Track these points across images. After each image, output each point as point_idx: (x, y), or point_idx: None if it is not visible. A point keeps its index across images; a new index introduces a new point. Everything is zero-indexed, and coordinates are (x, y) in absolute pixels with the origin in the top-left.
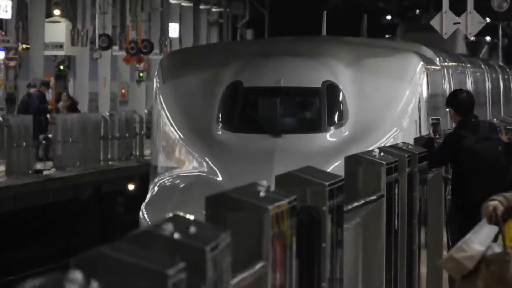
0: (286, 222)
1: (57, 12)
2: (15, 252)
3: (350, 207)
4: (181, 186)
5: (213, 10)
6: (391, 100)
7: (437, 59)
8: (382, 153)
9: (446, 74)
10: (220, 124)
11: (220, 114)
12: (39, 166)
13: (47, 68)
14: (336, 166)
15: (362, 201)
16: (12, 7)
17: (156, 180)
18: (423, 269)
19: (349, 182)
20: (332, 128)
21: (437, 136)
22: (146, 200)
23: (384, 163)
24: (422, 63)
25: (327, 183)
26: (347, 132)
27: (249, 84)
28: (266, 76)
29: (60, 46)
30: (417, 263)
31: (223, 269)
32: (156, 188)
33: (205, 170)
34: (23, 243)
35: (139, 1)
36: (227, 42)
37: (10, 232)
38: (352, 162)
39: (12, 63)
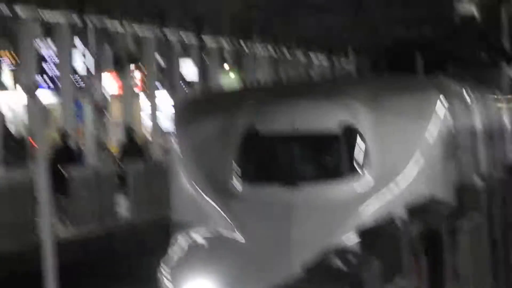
0: (417, 242)
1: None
2: None
3: (460, 226)
4: (200, 243)
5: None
6: (412, 140)
7: (467, 94)
8: (481, 181)
9: (478, 110)
10: (236, 175)
11: (234, 164)
12: None
13: None
14: (359, 217)
15: (470, 220)
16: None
17: (175, 235)
18: None
19: (459, 206)
20: (352, 174)
21: None
22: (166, 256)
23: (483, 190)
24: (442, 98)
25: (442, 210)
26: (369, 178)
27: (263, 130)
28: (280, 121)
29: None
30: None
31: (376, 286)
32: (175, 245)
33: (224, 226)
34: None
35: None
36: (241, 86)
37: None
38: (461, 191)
39: None
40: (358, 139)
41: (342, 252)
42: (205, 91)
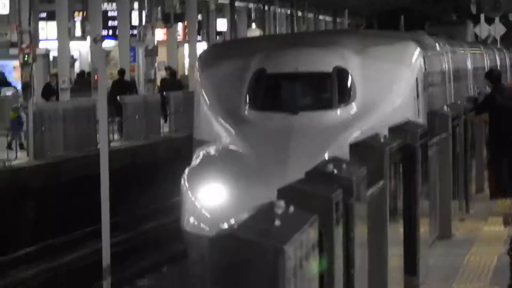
0: (396, 154)
1: None
2: None
3: (431, 142)
4: (215, 156)
5: None
6: (392, 81)
7: (437, 44)
8: (448, 109)
9: (445, 56)
10: (247, 105)
11: (247, 96)
12: None
13: None
14: (344, 138)
15: (438, 138)
16: None
17: (196, 151)
18: (473, 172)
19: (430, 127)
20: (341, 106)
21: (479, 97)
22: (188, 168)
23: (450, 115)
24: (419, 48)
25: (418, 130)
26: (354, 110)
27: (271, 70)
28: (285, 64)
29: None
30: (469, 165)
31: (362, 187)
32: (196, 159)
33: (235, 143)
34: None
35: None
36: (254, 37)
37: None
38: (432, 116)
39: None
40: (347, 79)
41: (336, 161)
42: (226, 41)
